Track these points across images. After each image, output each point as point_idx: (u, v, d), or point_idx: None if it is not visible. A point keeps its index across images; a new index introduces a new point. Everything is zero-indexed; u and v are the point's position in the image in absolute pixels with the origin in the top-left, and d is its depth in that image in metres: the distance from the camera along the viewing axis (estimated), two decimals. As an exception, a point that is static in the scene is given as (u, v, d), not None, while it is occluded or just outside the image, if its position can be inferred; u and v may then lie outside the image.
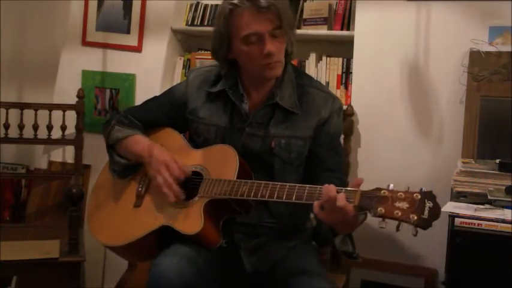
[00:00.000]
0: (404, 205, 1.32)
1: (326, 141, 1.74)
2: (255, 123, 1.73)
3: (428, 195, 1.33)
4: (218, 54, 1.74)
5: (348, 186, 1.43)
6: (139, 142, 1.77)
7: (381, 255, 2.49)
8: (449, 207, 1.74)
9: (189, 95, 1.81)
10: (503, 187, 1.83)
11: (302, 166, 1.77)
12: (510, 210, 1.71)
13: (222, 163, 1.66)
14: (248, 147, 1.72)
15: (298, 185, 1.50)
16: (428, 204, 1.31)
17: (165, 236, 1.64)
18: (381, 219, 1.34)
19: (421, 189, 1.34)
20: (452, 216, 1.67)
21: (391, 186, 1.37)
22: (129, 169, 1.80)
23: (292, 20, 1.71)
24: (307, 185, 1.49)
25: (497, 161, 1.98)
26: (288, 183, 1.52)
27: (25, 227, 2.81)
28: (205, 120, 1.78)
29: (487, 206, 1.77)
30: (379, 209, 1.33)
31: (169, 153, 1.71)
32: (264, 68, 1.66)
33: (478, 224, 1.65)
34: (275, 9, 1.62)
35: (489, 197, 1.82)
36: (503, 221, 1.63)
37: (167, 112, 1.85)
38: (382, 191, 1.36)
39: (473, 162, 2.08)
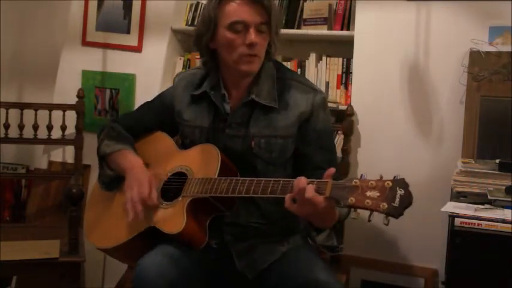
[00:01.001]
0: (375, 194, 1.29)
1: (314, 139, 1.71)
2: (234, 124, 1.71)
3: (401, 183, 1.30)
4: (202, 39, 1.70)
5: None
6: (125, 158, 1.78)
7: (380, 255, 2.49)
8: (449, 207, 1.74)
9: (175, 98, 1.82)
10: (503, 187, 1.83)
11: (289, 165, 1.74)
12: (510, 210, 1.71)
13: (205, 162, 1.66)
14: (229, 148, 1.70)
15: (273, 179, 1.49)
16: (400, 192, 1.28)
17: (156, 237, 1.64)
18: (352, 209, 1.32)
19: (395, 177, 1.31)
20: (452, 216, 1.67)
21: (364, 175, 1.34)
22: (116, 181, 1.81)
23: (279, 23, 1.71)
24: (282, 179, 1.48)
25: (497, 161, 1.98)
26: (264, 179, 1.51)
27: (25, 227, 2.80)
28: (189, 123, 1.78)
29: (487, 206, 1.77)
30: (349, 199, 1.31)
31: (148, 174, 1.70)
32: (242, 59, 1.64)
33: (478, 224, 1.64)
34: (267, 4, 1.62)
35: (489, 197, 1.82)
36: (503, 221, 1.63)
37: (157, 116, 1.86)
38: (354, 181, 1.33)
39: (473, 162, 2.08)
